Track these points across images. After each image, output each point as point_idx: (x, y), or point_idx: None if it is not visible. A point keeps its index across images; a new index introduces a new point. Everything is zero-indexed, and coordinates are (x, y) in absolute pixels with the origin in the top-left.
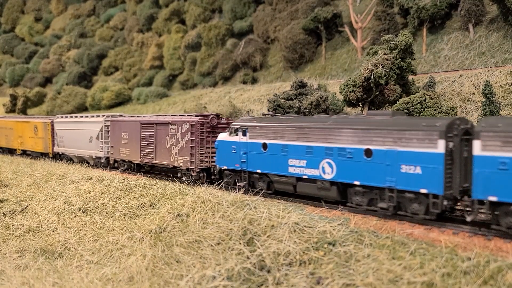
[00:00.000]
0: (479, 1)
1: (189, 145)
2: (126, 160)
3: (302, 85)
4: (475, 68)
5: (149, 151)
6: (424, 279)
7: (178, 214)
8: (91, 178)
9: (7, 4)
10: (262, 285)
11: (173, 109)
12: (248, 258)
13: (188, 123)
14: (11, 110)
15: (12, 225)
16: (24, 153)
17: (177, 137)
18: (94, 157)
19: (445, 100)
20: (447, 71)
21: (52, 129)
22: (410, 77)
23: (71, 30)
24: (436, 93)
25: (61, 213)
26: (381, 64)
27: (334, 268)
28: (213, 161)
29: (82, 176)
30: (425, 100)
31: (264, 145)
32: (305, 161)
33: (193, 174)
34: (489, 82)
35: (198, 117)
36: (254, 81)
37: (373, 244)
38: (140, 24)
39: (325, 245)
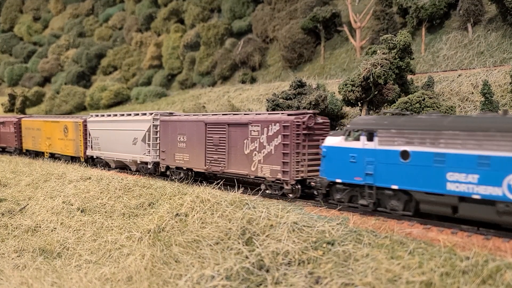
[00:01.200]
0: (477, 1)
1: (280, 151)
2: (184, 168)
3: (301, 84)
4: (474, 68)
5: (218, 158)
6: (423, 278)
7: (177, 214)
8: (89, 178)
9: (6, 3)
10: (261, 284)
11: (172, 108)
12: (247, 257)
13: (278, 124)
14: (10, 109)
15: (11, 225)
16: (52, 156)
17: (261, 140)
18: (138, 162)
19: (443, 100)
20: (446, 71)
21: (85, 129)
22: (409, 77)
23: (69, 30)
24: (435, 92)
25: (59, 212)
26: (380, 64)
27: (333, 267)
28: (312, 171)
29: (80, 175)
30: (423, 100)
31: (404, 154)
32: (476, 176)
33: (286, 187)
34: (487, 82)
35: (293, 117)
36: (253, 80)
37: (371, 244)
38: (139, 24)
39: (324, 245)
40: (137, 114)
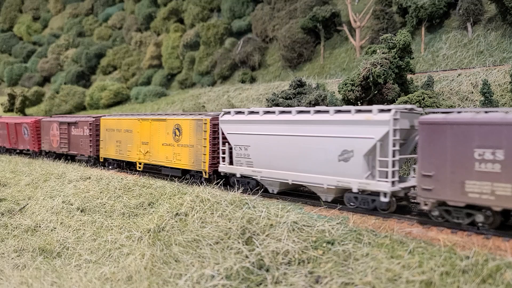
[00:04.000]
0: (477, 0)
1: None
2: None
3: (301, 84)
4: (474, 67)
5: None
6: (423, 278)
7: (176, 213)
8: (89, 178)
9: (5, 3)
10: (261, 284)
11: (171, 108)
12: (247, 257)
13: None
14: (9, 109)
15: (11, 225)
16: (151, 169)
17: None
18: (356, 189)
19: (443, 99)
20: (446, 70)
21: (214, 131)
22: (409, 76)
23: (69, 29)
24: (435, 92)
25: (59, 212)
26: (380, 63)
27: (333, 267)
28: None
29: (80, 175)
30: (423, 99)
31: None
32: None
33: None
34: (487, 81)
35: None
36: (253, 80)
37: (371, 243)
38: (139, 23)
39: (324, 244)
40: (349, 112)
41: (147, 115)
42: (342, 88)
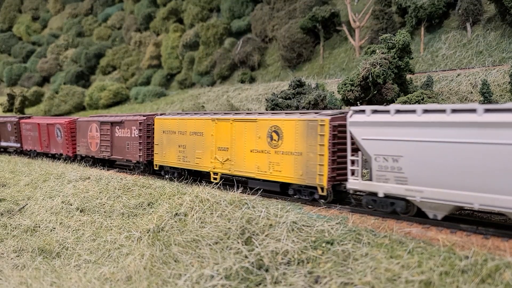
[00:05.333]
0: (476, 0)
1: None
2: None
3: (300, 84)
4: (473, 67)
5: None
6: (422, 277)
7: (176, 213)
8: (89, 178)
9: (4, 3)
10: (260, 284)
11: (171, 108)
12: (246, 257)
13: None
14: (9, 109)
15: (10, 225)
16: (231, 181)
17: None
18: None
19: (442, 99)
20: (445, 70)
21: (334, 136)
22: (408, 76)
23: (68, 29)
24: (434, 92)
25: (59, 212)
26: (379, 63)
27: (332, 267)
28: None
29: (80, 175)
30: (423, 99)
31: None
32: None
33: None
34: (486, 81)
35: None
36: (252, 80)
37: (371, 243)
38: (138, 23)
39: (323, 244)
40: None
41: (226, 114)
42: (342, 88)
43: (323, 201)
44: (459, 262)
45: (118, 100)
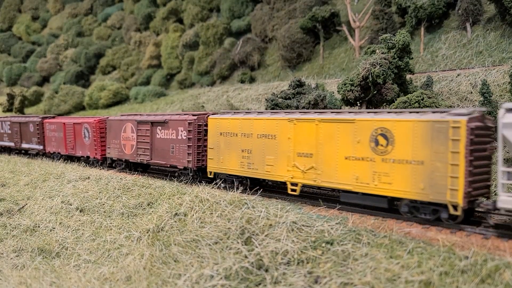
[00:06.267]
0: (476, 1)
1: None
2: None
3: (300, 84)
4: (473, 67)
5: None
6: (422, 278)
7: (176, 213)
8: (88, 178)
9: (4, 3)
10: (260, 284)
11: (170, 108)
12: (246, 257)
13: None
14: (8, 109)
15: (9, 225)
16: (313, 193)
17: None
18: None
19: (442, 99)
20: (445, 70)
21: (472, 141)
22: (408, 76)
23: (68, 29)
24: (434, 92)
25: (58, 212)
26: (379, 63)
27: (332, 267)
28: None
29: (79, 175)
30: (422, 99)
31: None
32: None
33: None
34: (486, 81)
35: None
36: (252, 80)
37: (370, 243)
38: (138, 23)
39: (323, 244)
40: None
41: (306, 113)
42: (342, 88)
43: (451, 221)
44: (458, 262)
45: (118, 100)
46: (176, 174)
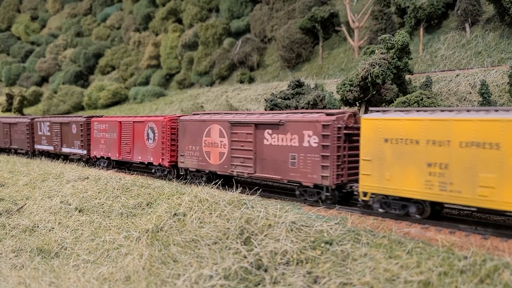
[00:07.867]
0: (475, 1)
1: None
2: None
3: (299, 84)
4: (472, 68)
5: None
6: (421, 278)
7: (175, 214)
8: (87, 178)
9: (3, 3)
10: (259, 284)
11: (170, 108)
12: (245, 257)
13: None
14: (7, 109)
15: (8, 225)
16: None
17: None
18: None
19: (441, 100)
20: (444, 71)
21: None
22: (407, 77)
23: (67, 29)
24: (433, 92)
25: (57, 212)
26: (378, 64)
27: (331, 267)
28: None
29: (78, 175)
30: (422, 100)
31: None
32: None
33: None
34: (485, 82)
35: None
36: (251, 80)
37: (370, 243)
38: (137, 23)
39: (322, 244)
40: None
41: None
42: (341, 88)
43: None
44: (458, 262)
45: (117, 100)
46: (299, 193)
